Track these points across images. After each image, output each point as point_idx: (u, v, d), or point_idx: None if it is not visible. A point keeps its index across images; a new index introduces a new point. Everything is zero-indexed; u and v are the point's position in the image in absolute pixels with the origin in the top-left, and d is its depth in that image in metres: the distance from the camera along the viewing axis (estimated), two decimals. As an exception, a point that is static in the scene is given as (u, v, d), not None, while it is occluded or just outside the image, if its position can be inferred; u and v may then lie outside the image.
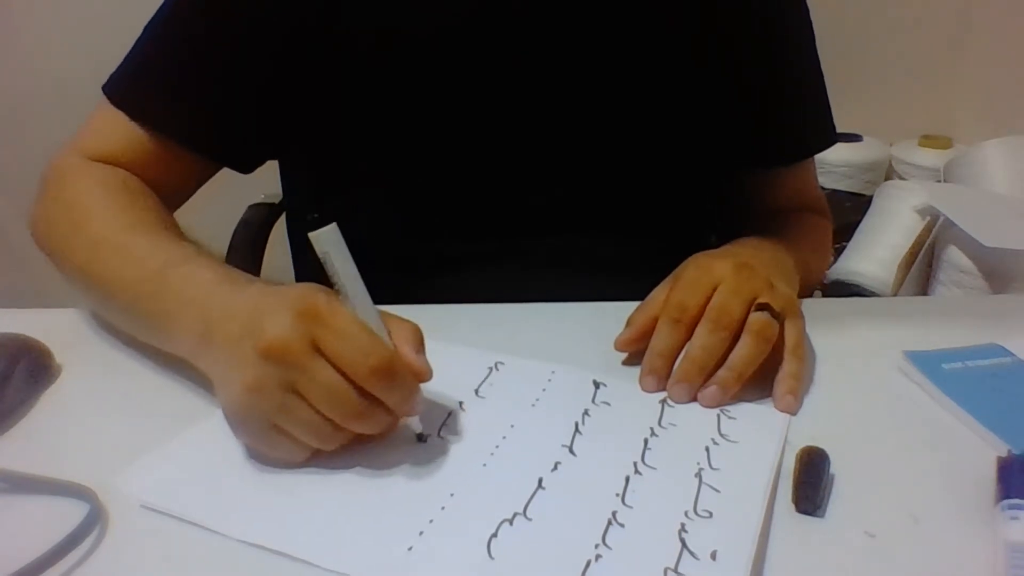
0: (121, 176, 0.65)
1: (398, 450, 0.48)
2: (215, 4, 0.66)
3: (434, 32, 0.66)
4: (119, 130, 0.66)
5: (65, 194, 0.64)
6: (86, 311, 0.65)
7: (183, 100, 0.67)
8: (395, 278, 0.73)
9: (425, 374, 0.46)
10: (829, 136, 0.81)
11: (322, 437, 0.45)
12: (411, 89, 0.67)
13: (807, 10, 0.76)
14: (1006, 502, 0.42)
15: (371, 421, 0.45)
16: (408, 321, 0.48)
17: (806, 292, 0.74)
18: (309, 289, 0.46)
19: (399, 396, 0.45)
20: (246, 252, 0.98)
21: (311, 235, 0.44)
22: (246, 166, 0.72)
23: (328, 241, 0.44)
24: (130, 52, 0.68)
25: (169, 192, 0.68)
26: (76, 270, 0.60)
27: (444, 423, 0.51)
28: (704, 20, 0.70)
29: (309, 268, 0.77)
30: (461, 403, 0.53)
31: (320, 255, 0.45)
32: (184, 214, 0.72)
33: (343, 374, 0.43)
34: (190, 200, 0.73)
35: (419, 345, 0.47)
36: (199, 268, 0.53)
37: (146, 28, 0.68)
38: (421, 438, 0.49)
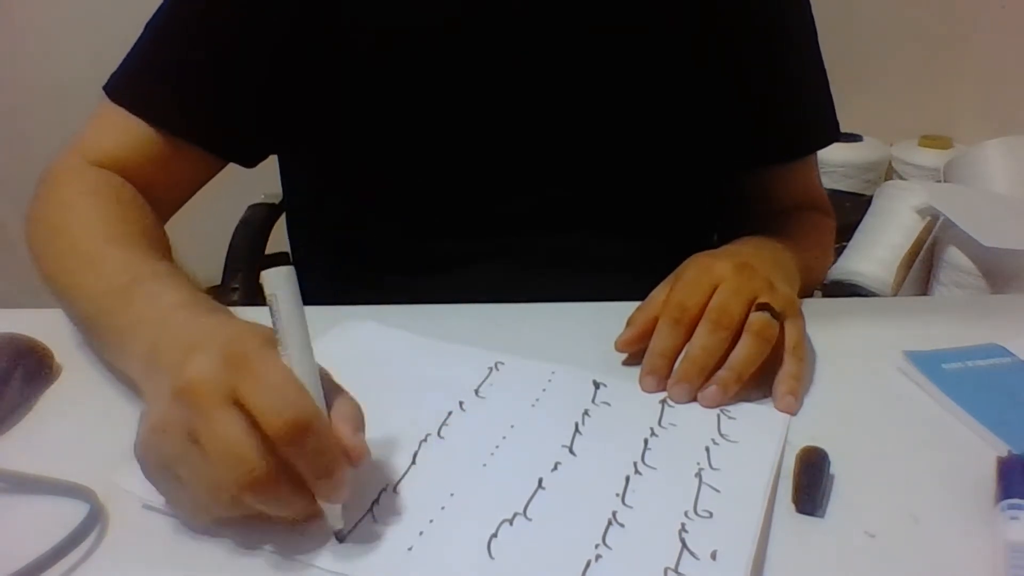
0: (115, 184, 0.64)
1: (399, 450, 0.48)
2: (211, 7, 0.66)
3: (433, 31, 0.66)
4: (120, 129, 0.66)
5: (54, 197, 0.64)
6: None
7: (185, 96, 0.67)
8: (395, 278, 0.74)
9: (358, 454, 0.39)
10: (831, 132, 0.80)
11: (217, 501, 0.39)
12: (410, 88, 0.67)
13: (808, 5, 0.76)
14: (1006, 502, 0.42)
15: (274, 496, 0.38)
16: (353, 400, 0.42)
17: (808, 291, 0.74)
18: (249, 332, 0.41)
19: (316, 465, 0.38)
20: (246, 252, 0.98)
21: (263, 273, 0.41)
22: (249, 160, 0.72)
23: (278, 283, 0.41)
24: (131, 51, 0.68)
25: (168, 192, 0.68)
26: (49, 275, 0.59)
27: (444, 423, 0.51)
28: (704, 19, 0.70)
29: (309, 268, 0.77)
30: (461, 403, 0.53)
31: (268, 297, 0.41)
32: (184, 214, 0.72)
33: (258, 432, 0.37)
34: (190, 200, 0.73)
35: (358, 424, 0.41)
36: (164, 289, 0.50)
37: (146, 27, 0.68)
38: (339, 536, 0.41)
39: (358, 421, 0.41)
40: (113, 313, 0.51)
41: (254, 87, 0.68)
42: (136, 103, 0.66)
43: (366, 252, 0.74)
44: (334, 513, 0.41)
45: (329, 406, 0.41)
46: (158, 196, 0.66)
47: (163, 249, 0.61)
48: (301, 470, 0.38)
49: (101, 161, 0.66)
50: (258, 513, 0.39)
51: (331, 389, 0.42)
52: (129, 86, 0.67)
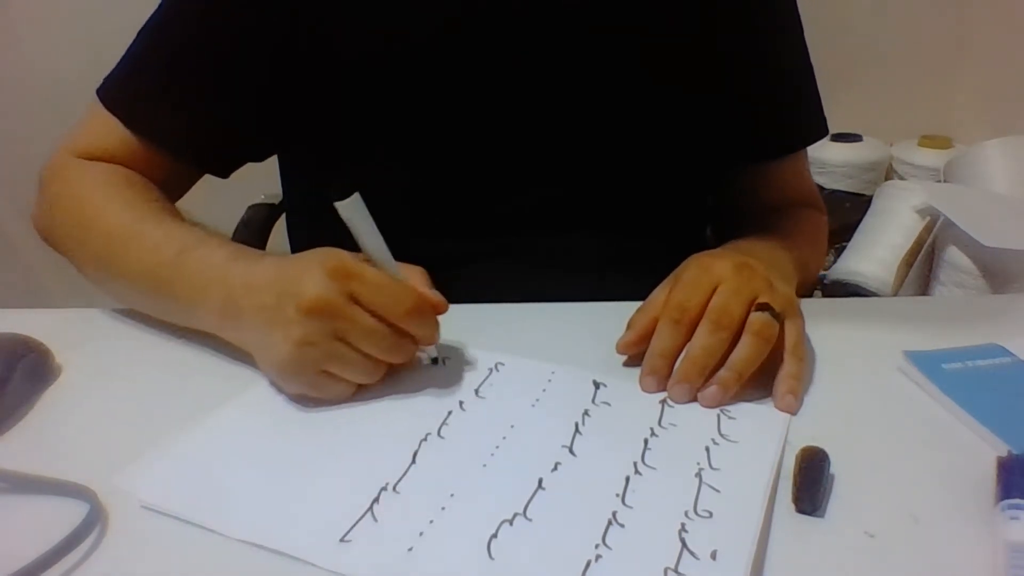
0: (120, 171, 0.67)
1: (400, 450, 0.48)
2: (208, 12, 0.66)
3: (430, 33, 0.66)
4: (111, 132, 0.67)
5: (69, 191, 0.66)
6: (86, 311, 0.65)
7: (173, 107, 0.67)
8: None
9: (444, 306, 0.53)
10: (821, 127, 0.81)
11: (368, 372, 0.52)
12: (409, 89, 0.67)
13: (795, 4, 0.76)
14: (1006, 502, 0.42)
15: (404, 352, 0.52)
16: (414, 266, 0.55)
17: (804, 289, 0.74)
18: (330, 251, 0.52)
19: (427, 330, 0.53)
20: (246, 252, 0.98)
21: (336, 205, 0.50)
22: (225, 172, 0.73)
23: (351, 208, 0.50)
24: (124, 56, 0.69)
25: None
26: (91, 262, 0.63)
27: (444, 423, 0.51)
28: (702, 19, 0.70)
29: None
30: (461, 403, 0.53)
31: (345, 221, 0.50)
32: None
33: (378, 318, 0.50)
34: (190, 200, 0.74)
35: (430, 283, 0.54)
36: (212, 250, 0.57)
37: (140, 32, 0.68)
38: (435, 361, 0.57)
39: (429, 281, 0.54)
40: (171, 282, 0.57)
41: (246, 97, 0.68)
42: (126, 113, 0.67)
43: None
44: (431, 350, 0.57)
45: None
46: None
47: (185, 220, 0.64)
48: (415, 334, 0.52)
49: (94, 158, 0.67)
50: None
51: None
52: (120, 94, 0.68)
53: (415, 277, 0.54)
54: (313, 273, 0.50)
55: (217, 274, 0.55)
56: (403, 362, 0.53)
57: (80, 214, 0.64)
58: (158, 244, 0.59)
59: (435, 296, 0.53)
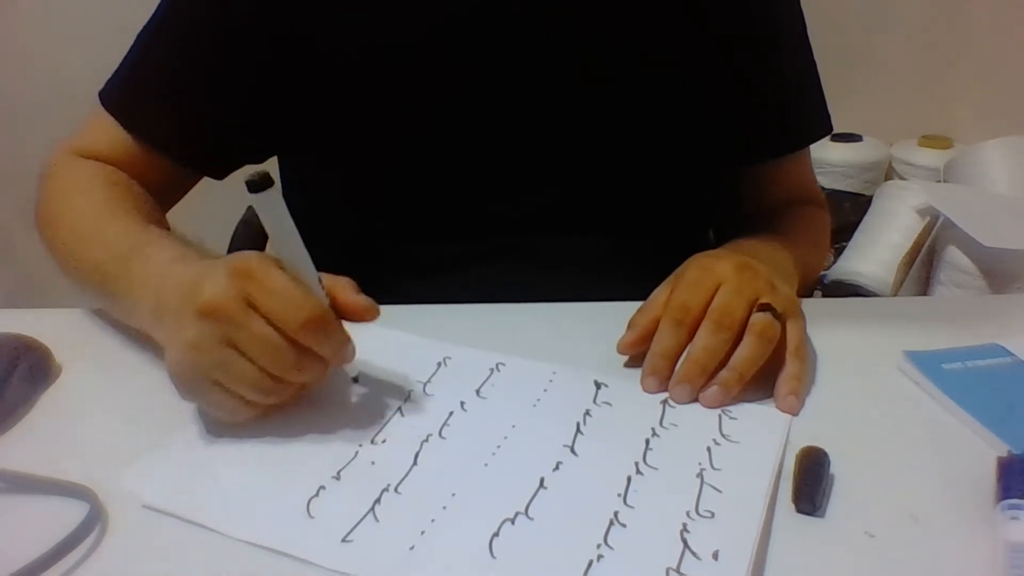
0: (107, 171, 0.67)
1: (401, 452, 0.48)
2: (203, 15, 0.66)
3: (424, 37, 0.66)
4: (110, 134, 0.68)
5: (55, 188, 0.67)
6: (86, 311, 0.65)
7: (170, 110, 0.68)
8: (394, 280, 0.74)
9: (371, 311, 0.49)
10: (824, 124, 0.80)
11: (261, 390, 0.47)
12: (402, 94, 0.67)
13: (798, 0, 0.76)
14: (1006, 502, 0.42)
15: (306, 371, 0.47)
16: (341, 277, 0.50)
17: (805, 288, 0.74)
18: (246, 252, 0.48)
19: (331, 348, 0.47)
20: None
21: (250, 197, 0.45)
22: (222, 174, 0.73)
23: (263, 202, 0.46)
24: (124, 59, 0.69)
25: (156, 195, 0.69)
26: (59, 258, 0.63)
27: (446, 423, 0.51)
28: (699, 19, 0.70)
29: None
30: (463, 403, 0.53)
31: (259, 216, 0.46)
32: (185, 214, 0.72)
33: (277, 328, 0.45)
34: (191, 200, 0.74)
35: (355, 287, 0.49)
36: (160, 249, 0.55)
37: (138, 36, 0.69)
38: (356, 379, 0.53)
39: (353, 285, 0.49)
40: (118, 278, 0.56)
41: (240, 101, 0.68)
42: (124, 115, 0.68)
43: (365, 254, 0.74)
44: (349, 366, 0.51)
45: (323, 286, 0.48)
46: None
47: (157, 221, 0.64)
48: (317, 351, 0.46)
49: (92, 157, 0.68)
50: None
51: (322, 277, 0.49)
52: (119, 95, 0.69)
53: (337, 280, 0.50)
54: (216, 274, 0.46)
55: (156, 272, 0.53)
56: (308, 380, 0.49)
57: (56, 209, 0.65)
58: (113, 241, 0.58)
59: (358, 301, 0.49)
